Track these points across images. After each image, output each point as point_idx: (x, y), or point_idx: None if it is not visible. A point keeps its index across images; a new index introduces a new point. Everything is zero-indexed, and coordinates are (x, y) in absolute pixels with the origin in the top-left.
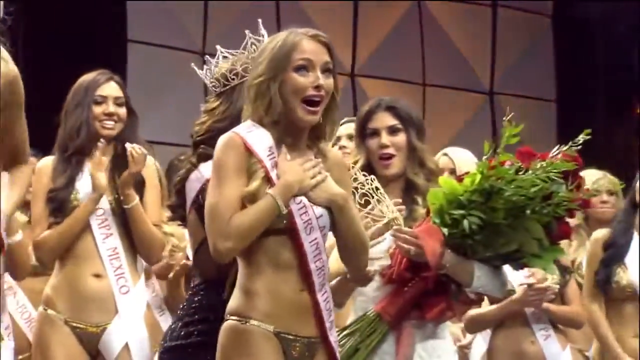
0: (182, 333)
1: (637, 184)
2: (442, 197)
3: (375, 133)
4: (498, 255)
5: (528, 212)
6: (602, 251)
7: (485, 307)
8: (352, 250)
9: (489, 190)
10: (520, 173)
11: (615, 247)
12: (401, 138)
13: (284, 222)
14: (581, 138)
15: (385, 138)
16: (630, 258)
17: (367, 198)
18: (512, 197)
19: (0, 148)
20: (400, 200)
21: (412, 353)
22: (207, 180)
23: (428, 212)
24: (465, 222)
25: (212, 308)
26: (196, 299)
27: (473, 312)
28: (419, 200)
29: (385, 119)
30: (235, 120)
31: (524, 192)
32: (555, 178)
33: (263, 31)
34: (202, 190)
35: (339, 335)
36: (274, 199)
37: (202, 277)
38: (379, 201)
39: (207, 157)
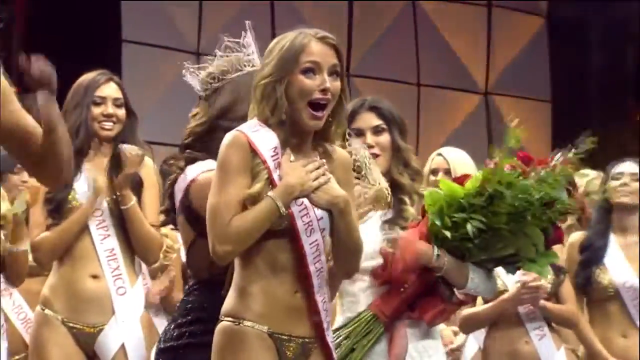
0: (175, 334)
1: (610, 184)
2: (441, 199)
3: (360, 133)
4: (493, 258)
5: (529, 217)
6: (579, 254)
7: (479, 306)
8: (348, 252)
9: (491, 194)
10: (521, 178)
11: (592, 249)
12: (385, 138)
13: (285, 223)
14: (585, 145)
15: (369, 138)
16: (610, 258)
17: (359, 165)
18: (515, 202)
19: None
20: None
21: (405, 353)
22: (192, 181)
23: (424, 213)
24: (469, 227)
25: (204, 308)
26: (189, 299)
27: (467, 311)
28: (406, 199)
29: (369, 119)
30: (214, 124)
31: (527, 197)
32: (558, 185)
33: (251, 33)
34: (187, 192)
35: (335, 336)
36: (274, 202)
37: (195, 278)
38: (370, 170)
39: (193, 160)
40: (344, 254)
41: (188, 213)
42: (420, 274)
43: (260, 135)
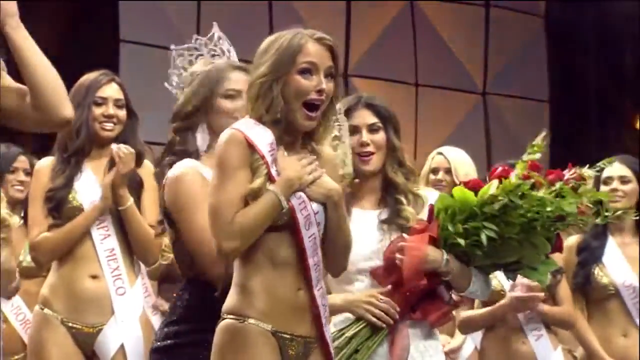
0: (163, 334)
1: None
2: (452, 204)
3: (355, 130)
4: (495, 264)
5: (538, 228)
6: (576, 256)
7: (477, 310)
8: (339, 248)
9: (505, 203)
10: (543, 189)
11: (589, 249)
12: (381, 136)
13: (285, 218)
14: (603, 164)
15: (365, 136)
16: (608, 257)
17: (338, 142)
18: (527, 213)
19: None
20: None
21: (407, 354)
22: (164, 183)
23: (431, 216)
24: (483, 236)
25: (189, 307)
26: (177, 298)
27: (465, 314)
28: (402, 199)
29: (365, 117)
30: (174, 129)
31: (540, 209)
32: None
33: (216, 29)
34: (162, 193)
35: (340, 336)
36: (276, 196)
37: (183, 277)
38: (345, 153)
39: (171, 164)
40: (335, 249)
41: (165, 214)
42: (428, 278)
43: (256, 132)
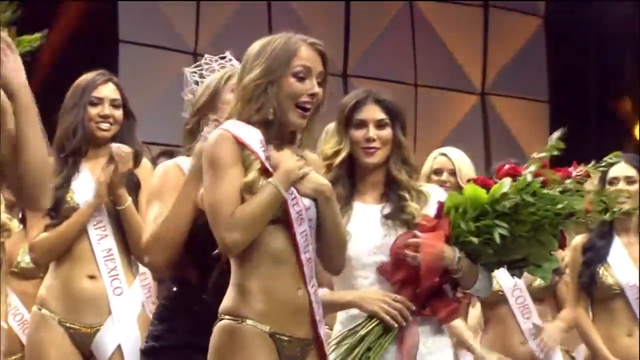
0: (147, 335)
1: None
2: (463, 202)
3: (363, 124)
4: (502, 261)
5: (547, 226)
6: (582, 256)
7: (467, 332)
8: (334, 245)
9: (517, 202)
10: (552, 187)
11: (594, 249)
12: (388, 132)
13: (278, 213)
14: (610, 159)
15: (372, 131)
16: (613, 257)
17: None
18: (539, 211)
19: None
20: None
21: (416, 351)
22: None
23: (439, 213)
24: (496, 234)
25: (165, 307)
26: (162, 297)
27: (457, 327)
28: (406, 195)
29: (374, 112)
30: None
31: (550, 207)
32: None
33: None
34: None
35: (352, 334)
36: (276, 187)
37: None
38: None
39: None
40: (330, 247)
41: None
42: (440, 275)
43: (245, 131)
